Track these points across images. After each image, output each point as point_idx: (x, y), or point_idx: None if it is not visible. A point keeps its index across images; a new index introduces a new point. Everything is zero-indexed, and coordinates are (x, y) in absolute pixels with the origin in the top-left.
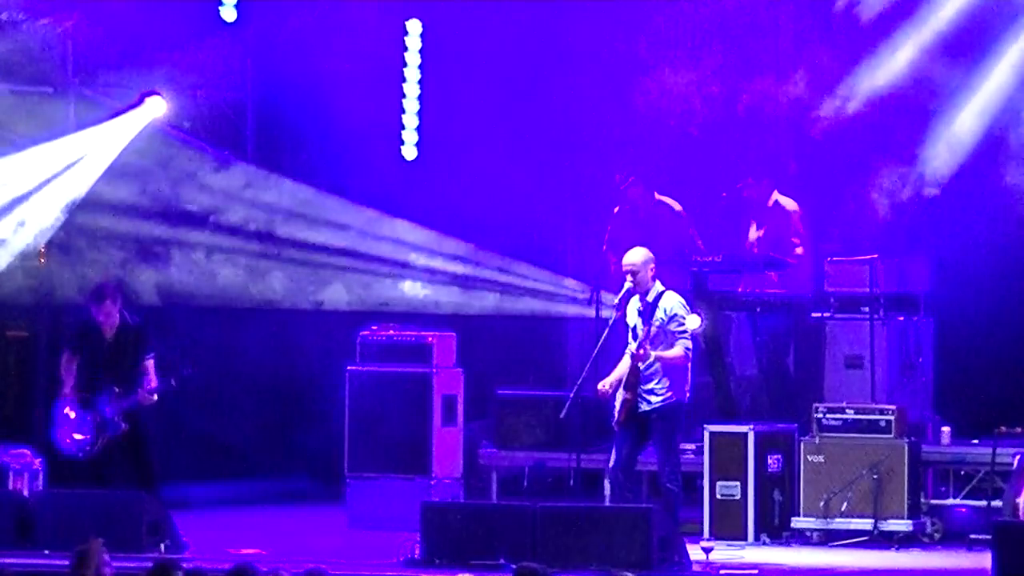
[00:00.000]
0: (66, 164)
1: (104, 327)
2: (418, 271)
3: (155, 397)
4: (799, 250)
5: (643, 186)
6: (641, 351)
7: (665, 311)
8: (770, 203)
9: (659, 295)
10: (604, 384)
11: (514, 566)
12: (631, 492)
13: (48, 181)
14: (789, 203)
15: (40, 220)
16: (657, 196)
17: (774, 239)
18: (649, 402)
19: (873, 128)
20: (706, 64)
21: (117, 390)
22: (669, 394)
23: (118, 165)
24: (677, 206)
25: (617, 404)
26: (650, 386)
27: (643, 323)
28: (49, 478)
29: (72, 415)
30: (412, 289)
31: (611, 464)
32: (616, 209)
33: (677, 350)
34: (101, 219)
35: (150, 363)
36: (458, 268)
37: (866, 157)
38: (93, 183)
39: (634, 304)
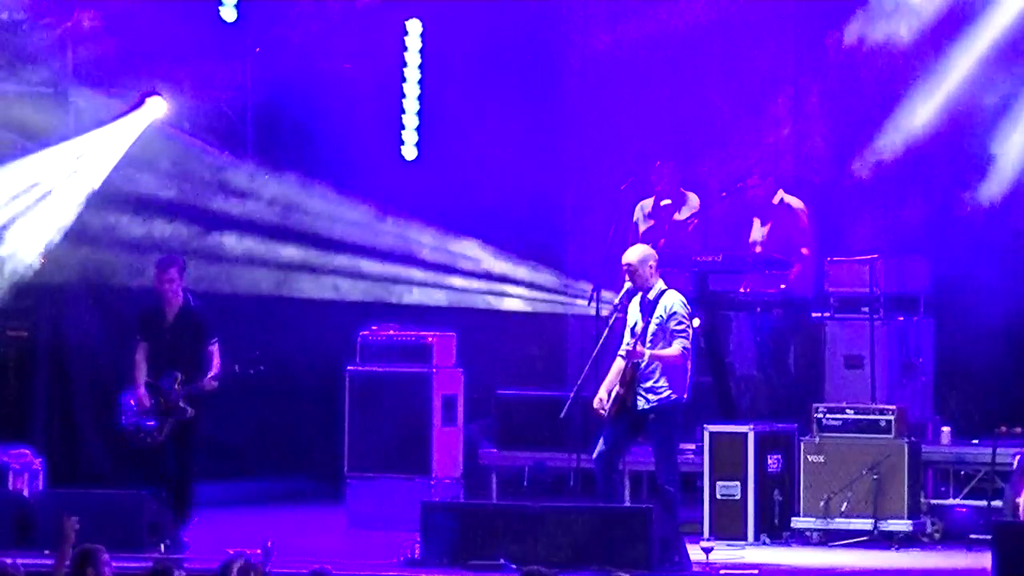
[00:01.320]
0: (69, 168)
1: (166, 304)
2: (418, 270)
3: (217, 383)
4: (805, 250)
5: (674, 172)
6: (634, 349)
7: (665, 309)
8: (775, 201)
9: (660, 293)
10: (599, 400)
11: (514, 566)
12: (615, 483)
13: (53, 184)
14: (795, 202)
15: (45, 224)
16: (681, 190)
17: (780, 238)
18: (647, 400)
19: (874, 128)
20: (707, 63)
21: (180, 376)
22: (668, 393)
23: (120, 164)
24: (696, 202)
25: (610, 397)
26: (649, 384)
27: (643, 321)
28: (49, 478)
29: (138, 404)
30: (413, 288)
31: (595, 453)
32: (637, 205)
33: (675, 349)
34: (102, 218)
35: (214, 348)
36: (458, 267)
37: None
38: (97, 185)
39: (635, 301)
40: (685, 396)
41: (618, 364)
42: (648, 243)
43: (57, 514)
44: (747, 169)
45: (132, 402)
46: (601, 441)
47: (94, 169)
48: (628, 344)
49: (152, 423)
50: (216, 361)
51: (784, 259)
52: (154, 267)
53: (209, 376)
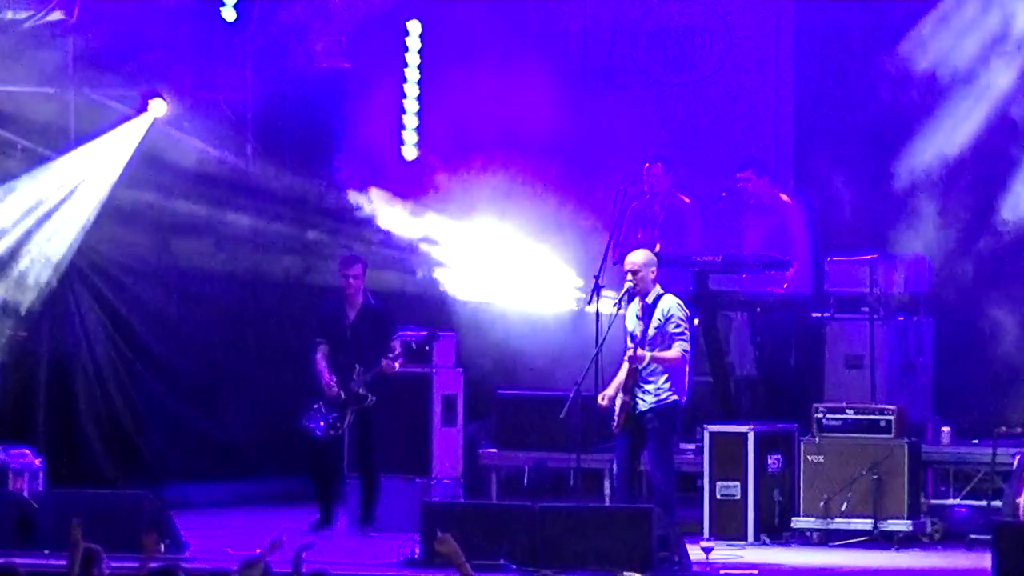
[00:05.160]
0: (77, 178)
1: (347, 302)
2: (419, 267)
3: (397, 365)
4: (795, 251)
5: (668, 177)
6: (635, 354)
7: (663, 312)
8: (768, 199)
9: (658, 297)
10: (604, 397)
11: (514, 566)
12: (636, 491)
13: (62, 196)
14: (785, 199)
15: (58, 236)
16: (672, 191)
17: (772, 237)
18: (645, 401)
19: (876, 128)
20: (706, 63)
21: (359, 367)
22: (667, 394)
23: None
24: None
25: (617, 408)
26: (647, 386)
27: (642, 326)
28: (49, 478)
29: (323, 408)
30: (413, 285)
31: (615, 473)
32: (631, 207)
33: (674, 351)
34: (103, 217)
35: (397, 343)
36: (457, 266)
37: (868, 157)
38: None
39: (633, 308)
40: (684, 398)
41: (625, 368)
42: (644, 246)
43: (57, 514)
44: (744, 167)
45: (315, 406)
46: (617, 462)
47: (101, 176)
48: (630, 350)
49: (334, 416)
50: (399, 354)
51: (783, 259)
52: (338, 264)
53: (388, 358)
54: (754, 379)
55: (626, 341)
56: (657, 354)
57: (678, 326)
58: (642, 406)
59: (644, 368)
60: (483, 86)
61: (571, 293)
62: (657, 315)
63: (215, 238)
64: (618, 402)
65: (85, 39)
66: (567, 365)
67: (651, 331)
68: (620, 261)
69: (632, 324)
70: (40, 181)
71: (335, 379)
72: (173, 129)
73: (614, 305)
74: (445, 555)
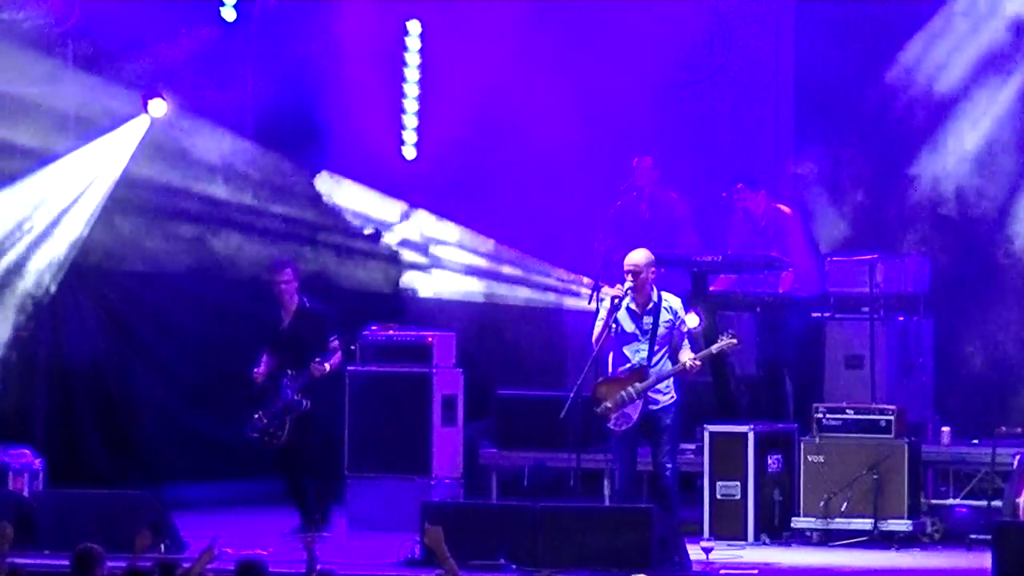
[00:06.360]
0: (77, 181)
1: (282, 308)
2: (418, 266)
3: (327, 367)
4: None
5: (657, 172)
6: (698, 363)
7: (674, 313)
8: (764, 209)
9: (660, 296)
10: (606, 407)
11: (515, 566)
12: (638, 493)
13: (62, 199)
14: (784, 209)
15: (57, 233)
16: (662, 189)
17: (769, 245)
18: (657, 402)
19: (877, 128)
20: (706, 63)
21: (291, 372)
22: (672, 393)
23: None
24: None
25: (633, 412)
26: (659, 385)
27: (650, 323)
28: (49, 478)
29: (263, 417)
30: (412, 285)
31: (619, 474)
32: (617, 203)
33: (689, 351)
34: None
35: (335, 343)
36: (457, 265)
37: (869, 157)
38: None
39: (625, 305)
40: None
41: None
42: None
43: (57, 514)
44: (739, 176)
45: (256, 416)
46: (622, 466)
47: (101, 176)
48: (693, 359)
49: (268, 426)
50: (336, 356)
51: (783, 259)
52: (268, 271)
53: (316, 361)
54: (754, 379)
55: (602, 333)
56: (700, 355)
57: (684, 324)
58: (654, 408)
59: (655, 368)
60: (483, 86)
61: (571, 293)
62: (666, 315)
63: (215, 238)
64: (635, 404)
65: (85, 39)
66: (566, 365)
67: (661, 329)
68: (618, 260)
69: (628, 323)
70: (40, 181)
71: (264, 372)
72: (173, 129)
73: (613, 307)
74: (431, 547)
